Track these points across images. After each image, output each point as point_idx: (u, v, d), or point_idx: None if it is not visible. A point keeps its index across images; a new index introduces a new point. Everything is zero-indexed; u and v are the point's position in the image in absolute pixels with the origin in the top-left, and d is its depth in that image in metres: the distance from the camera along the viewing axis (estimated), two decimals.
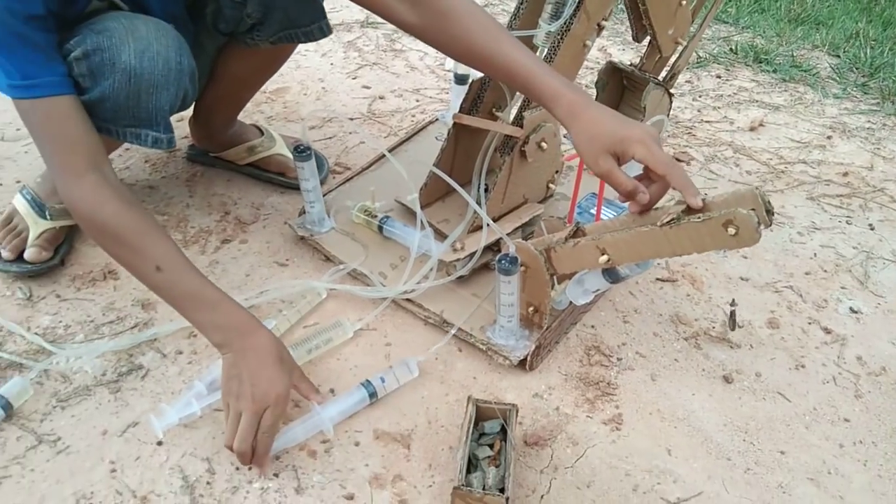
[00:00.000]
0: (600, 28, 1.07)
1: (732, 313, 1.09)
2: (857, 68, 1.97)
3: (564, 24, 1.04)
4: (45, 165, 1.06)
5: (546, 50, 1.07)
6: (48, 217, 1.19)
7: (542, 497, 0.91)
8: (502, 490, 0.85)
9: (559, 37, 1.05)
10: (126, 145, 1.50)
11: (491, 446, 0.92)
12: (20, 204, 1.20)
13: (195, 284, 0.93)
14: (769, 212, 0.76)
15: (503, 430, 0.93)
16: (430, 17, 0.95)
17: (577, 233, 0.96)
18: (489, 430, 0.93)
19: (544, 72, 0.91)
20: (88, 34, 0.95)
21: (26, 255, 1.16)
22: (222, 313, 0.92)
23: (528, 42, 1.10)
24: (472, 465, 0.90)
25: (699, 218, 0.78)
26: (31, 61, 0.92)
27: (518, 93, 1.15)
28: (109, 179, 0.95)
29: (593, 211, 1.16)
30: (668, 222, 0.81)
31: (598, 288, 1.00)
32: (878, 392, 1.06)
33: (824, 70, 1.96)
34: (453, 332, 1.07)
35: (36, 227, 1.18)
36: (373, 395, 0.99)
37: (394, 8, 0.96)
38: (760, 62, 1.96)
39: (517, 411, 0.94)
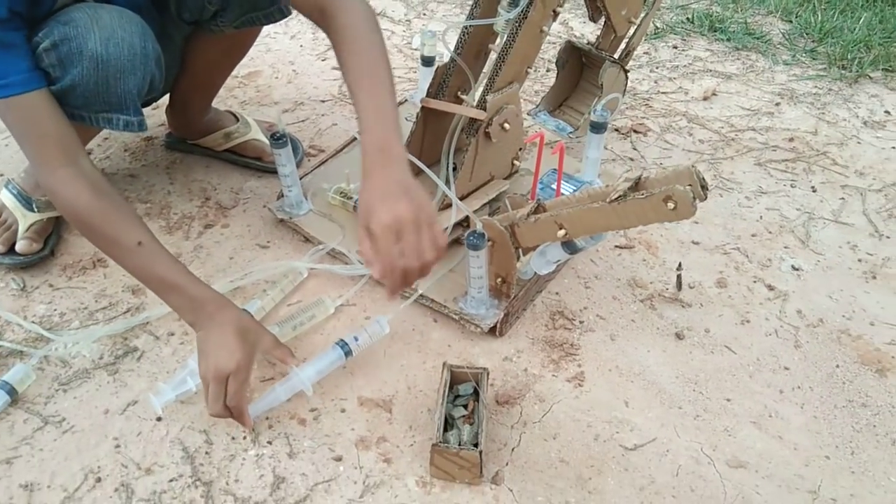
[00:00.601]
0: (556, 14, 1.14)
1: (679, 276, 1.19)
2: (807, 33, 2.05)
3: (522, 11, 1.10)
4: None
5: (505, 36, 1.13)
6: (35, 209, 1.24)
7: (512, 450, 1.00)
8: (476, 445, 0.94)
9: (517, 24, 1.11)
10: (105, 135, 1.54)
11: (465, 406, 1.01)
12: (6, 198, 1.25)
13: (166, 269, 0.99)
14: (703, 187, 0.85)
15: (476, 392, 1.02)
16: (330, 32, 1.02)
17: (539, 209, 1.04)
18: (463, 392, 1.02)
19: (371, 124, 0.92)
20: (55, 25, 1.00)
21: (17, 248, 1.22)
22: (191, 294, 0.98)
23: (489, 29, 1.17)
24: (448, 424, 0.99)
25: (643, 195, 0.87)
26: (1, 61, 0.96)
27: (482, 76, 1.22)
28: (85, 170, 1.00)
29: (554, 186, 1.24)
30: (615, 199, 0.89)
31: (559, 258, 1.08)
32: (816, 342, 1.17)
33: (776, 36, 2.04)
34: (416, 296, 1.14)
35: (24, 219, 1.23)
36: (348, 353, 1.06)
37: (313, 15, 1.03)
38: (715, 31, 2.04)
39: (488, 374, 1.02)
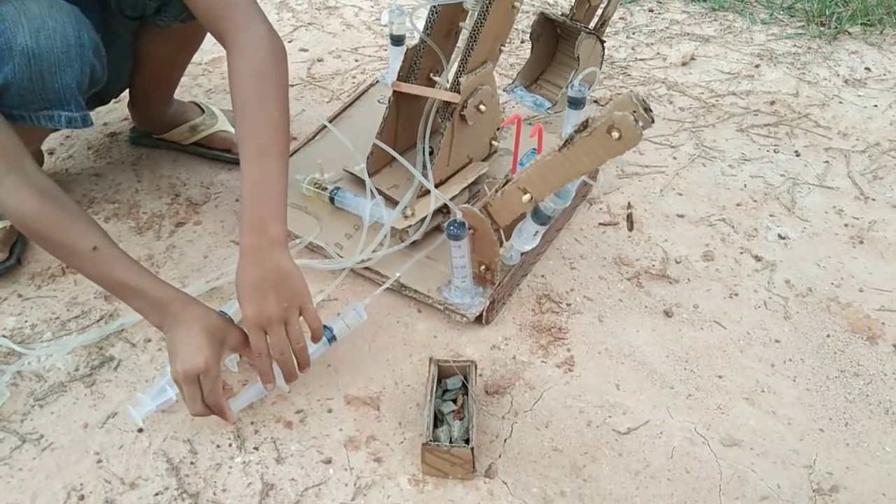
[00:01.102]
0: None
1: (629, 216, 1.16)
2: None
3: None
4: None
5: (476, 14, 1.09)
6: None
7: (504, 441, 0.99)
8: (467, 441, 0.92)
9: (487, 1, 1.06)
10: (67, 133, 1.48)
11: (454, 401, 0.99)
12: None
13: (125, 272, 0.94)
14: (647, 109, 0.82)
15: (464, 385, 0.99)
16: (227, 55, 0.96)
17: (507, 183, 1.01)
18: (451, 386, 1.00)
19: (250, 201, 0.91)
20: None
21: None
22: (153, 296, 0.94)
23: (459, 7, 1.12)
24: (438, 420, 0.97)
25: (587, 132, 0.84)
26: None
27: (454, 56, 1.17)
28: (30, 177, 0.94)
29: None
30: (564, 145, 0.87)
31: (535, 231, 1.05)
32: (805, 312, 1.16)
33: None
34: (388, 284, 1.10)
35: None
36: (331, 339, 1.02)
37: (209, 28, 0.98)
38: None
39: (476, 366, 1.00)
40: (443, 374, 1.01)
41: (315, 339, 0.98)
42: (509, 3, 1.08)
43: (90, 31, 1.01)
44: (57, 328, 1.13)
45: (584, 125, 0.88)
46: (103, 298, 1.17)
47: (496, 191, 1.01)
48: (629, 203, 1.19)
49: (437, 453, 0.91)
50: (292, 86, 1.64)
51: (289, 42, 1.79)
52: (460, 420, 0.96)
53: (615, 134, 0.83)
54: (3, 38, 0.94)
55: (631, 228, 1.15)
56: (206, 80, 1.65)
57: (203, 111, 1.41)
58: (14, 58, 0.94)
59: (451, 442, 0.93)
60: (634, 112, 0.81)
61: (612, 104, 0.85)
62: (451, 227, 1.02)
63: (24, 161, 0.95)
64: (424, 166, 1.18)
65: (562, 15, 1.38)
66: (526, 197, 0.97)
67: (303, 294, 0.92)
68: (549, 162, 0.91)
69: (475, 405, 0.96)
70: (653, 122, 0.83)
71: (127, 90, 1.35)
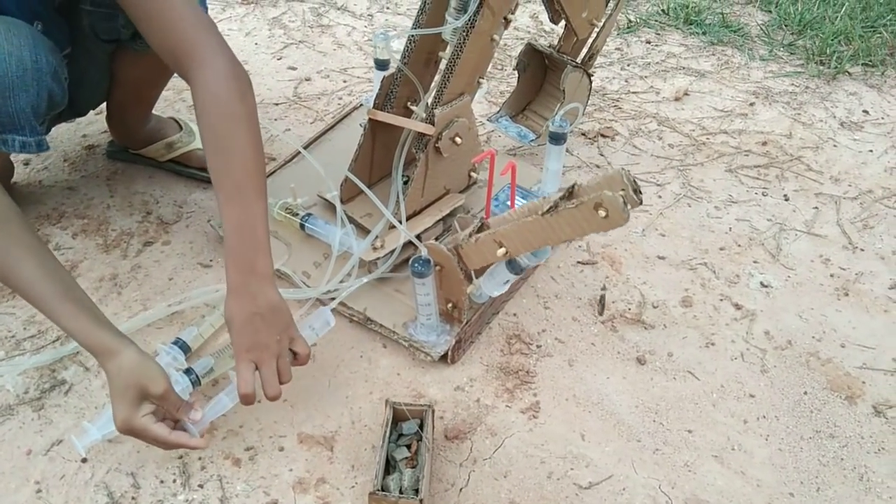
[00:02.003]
0: (507, 22, 1.07)
1: (602, 297, 1.13)
2: (786, 25, 1.98)
3: (469, 20, 1.03)
4: None
5: (452, 46, 1.06)
6: None
7: (460, 490, 0.95)
8: (417, 491, 0.88)
9: (465, 33, 1.04)
10: None
11: (409, 447, 0.95)
12: None
13: (58, 311, 0.88)
14: (636, 191, 0.79)
15: (419, 431, 0.96)
16: (191, 89, 0.93)
17: (482, 228, 0.98)
18: (407, 430, 0.96)
19: (234, 242, 0.89)
20: None
21: None
22: (83, 339, 0.88)
23: (437, 37, 1.09)
24: (390, 466, 0.93)
25: (573, 204, 0.81)
26: None
27: (432, 87, 1.14)
28: None
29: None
30: (547, 210, 0.83)
31: (507, 279, 1.02)
32: (784, 366, 1.11)
33: (754, 28, 1.97)
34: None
35: None
36: None
37: (167, 61, 0.95)
38: (691, 24, 1.96)
39: (433, 411, 0.97)
40: (399, 416, 0.97)
41: (301, 362, 0.96)
42: (487, 35, 1.05)
43: (49, 53, 0.99)
44: (11, 347, 1.10)
45: (571, 192, 0.84)
46: None
47: (469, 235, 0.97)
48: (604, 285, 1.16)
49: (385, 503, 0.87)
50: (276, 104, 1.62)
51: (278, 60, 1.77)
52: (412, 469, 0.92)
53: (602, 213, 0.80)
54: None
55: (601, 313, 1.12)
56: (189, 94, 1.62)
57: (181, 128, 1.39)
58: None
59: (400, 492, 0.89)
60: (623, 191, 0.78)
61: (602, 179, 0.81)
62: (416, 265, 0.98)
63: None
64: (398, 197, 1.15)
65: (549, 46, 1.36)
66: (501, 251, 0.93)
67: (291, 325, 0.94)
68: (530, 224, 0.87)
69: (429, 453, 0.92)
70: (640, 203, 0.80)
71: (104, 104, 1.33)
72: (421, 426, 0.96)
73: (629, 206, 0.79)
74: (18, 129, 0.99)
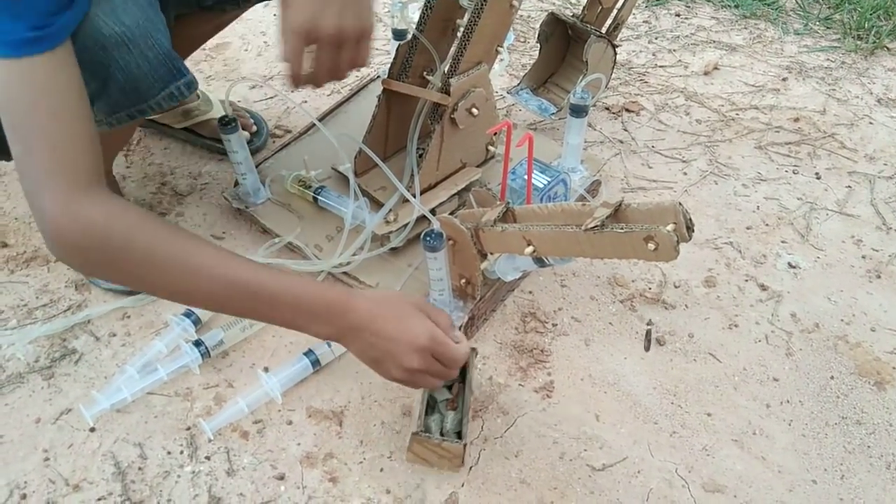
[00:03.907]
0: None
1: (648, 332, 1.08)
2: None
3: None
4: None
5: (469, 12, 1.02)
6: None
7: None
8: (460, 434, 0.88)
9: None
10: None
11: (450, 388, 0.94)
12: None
13: (260, 283, 0.75)
14: (689, 227, 0.75)
15: (462, 373, 0.93)
16: None
17: (507, 216, 0.94)
18: None
19: None
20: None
21: None
22: (306, 305, 0.77)
23: (455, 2, 1.05)
24: (430, 407, 0.93)
25: (622, 228, 0.77)
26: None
27: (449, 56, 1.11)
28: (106, 185, 0.77)
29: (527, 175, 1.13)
30: (592, 228, 0.80)
31: (526, 268, 0.99)
32: (810, 349, 1.07)
33: (790, 2, 1.89)
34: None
35: None
36: (315, 362, 1.01)
37: None
38: None
39: (476, 353, 0.96)
40: None
41: (359, 64, 0.81)
42: (507, 1, 1.01)
43: (150, 6, 0.89)
44: (23, 316, 1.10)
45: (617, 210, 0.80)
46: (73, 288, 1.13)
47: (494, 222, 0.93)
48: (650, 320, 1.09)
49: (427, 445, 0.87)
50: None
51: None
52: (454, 411, 0.91)
53: (651, 245, 0.76)
54: (91, 40, 0.80)
55: (647, 349, 1.06)
56: (207, 66, 1.61)
57: (198, 97, 1.37)
58: (111, 52, 0.81)
59: (442, 434, 0.88)
60: (675, 224, 0.74)
61: (654, 207, 0.77)
62: (428, 239, 0.96)
63: (101, 167, 0.77)
64: (413, 170, 1.12)
65: (573, 16, 1.31)
66: (529, 249, 0.89)
67: (371, 21, 0.77)
68: (570, 235, 0.83)
69: (472, 396, 0.90)
70: (690, 239, 0.76)
71: None
72: (464, 368, 0.93)
73: (680, 244, 0.75)
74: (175, 74, 0.90)
